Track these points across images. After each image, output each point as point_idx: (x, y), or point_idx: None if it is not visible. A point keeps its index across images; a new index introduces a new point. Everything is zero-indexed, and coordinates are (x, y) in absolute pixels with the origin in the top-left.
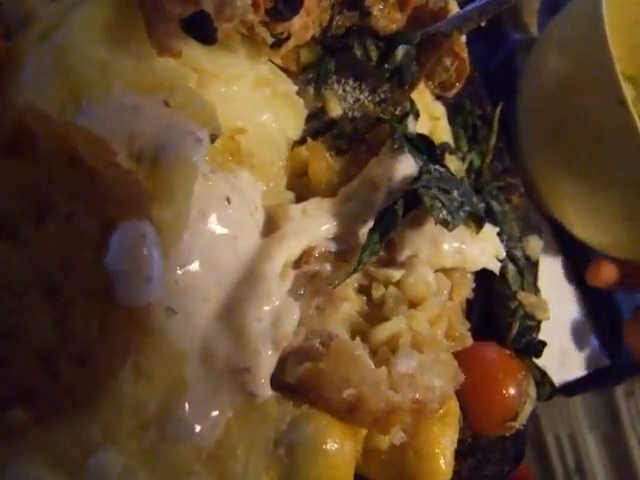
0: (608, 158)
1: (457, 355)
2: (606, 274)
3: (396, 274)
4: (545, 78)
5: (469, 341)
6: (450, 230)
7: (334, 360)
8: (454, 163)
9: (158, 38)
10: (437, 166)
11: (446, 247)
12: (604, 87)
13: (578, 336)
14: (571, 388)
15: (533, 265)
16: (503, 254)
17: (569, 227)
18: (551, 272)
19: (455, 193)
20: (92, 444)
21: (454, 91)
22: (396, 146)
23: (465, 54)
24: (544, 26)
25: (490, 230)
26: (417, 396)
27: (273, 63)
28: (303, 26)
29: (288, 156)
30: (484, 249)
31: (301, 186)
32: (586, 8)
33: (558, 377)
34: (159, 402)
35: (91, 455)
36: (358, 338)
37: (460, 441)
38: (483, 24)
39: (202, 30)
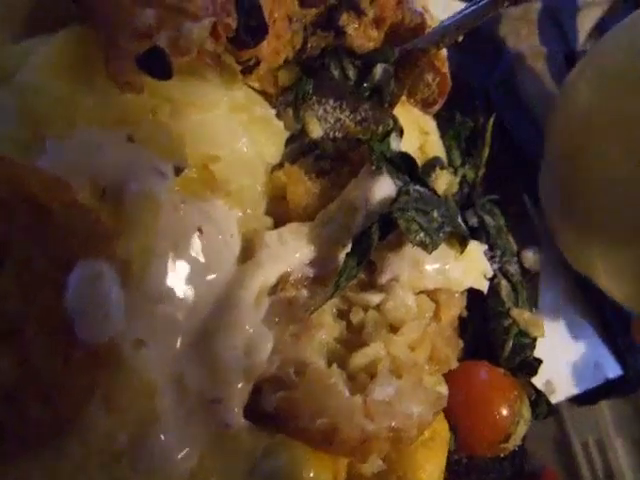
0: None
1: (447, 375)
2: None
3: (375, 298)
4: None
5: (454, 364)
6: (429, 252)
7: (307, 389)
8: (446, 178)
9: (117, 75)
10: (417, 186)
11: (428, 268)
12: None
13: (589, 347)
14: (585, 399)
15: (532, 277)
16: (490, 273)
17: (596, 281)
18: (557, 282)
19: (435, 213)
20: (63, 479)
21: (437, 107)
22: (374, 167)
23: (446, 69)
24: (547, 36)
25: (476, 248)
26: (393, 424)
27: (250, 87)
28: (274, 50)
29: (267, 181)
30: (469, 269)
31: (280, 211)
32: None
33: (569, 389)
34: (130, 434)
35: None
36: (334, 365)
37: (455, 461)
38: (460, 39)
39: (157, 65)
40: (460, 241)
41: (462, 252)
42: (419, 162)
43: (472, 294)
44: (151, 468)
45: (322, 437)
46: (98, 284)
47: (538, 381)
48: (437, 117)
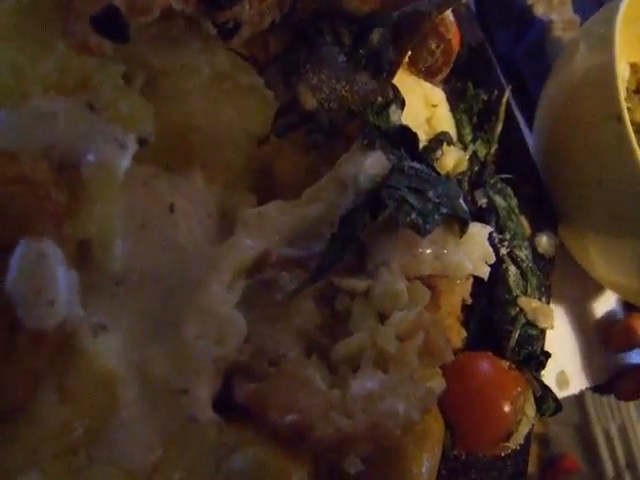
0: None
1: (445, 367)
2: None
3: (362, 284)
4: (560, 85)
5: (449, 356)
6: (423, 235)
7: (280, 381)
8: (454, 154)
9: (72, 37)
10: (415, 162)
11: (423, 253)
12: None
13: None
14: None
15: (547, 264)
16: (492, 258)
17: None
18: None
19: (431, 193)
20: (14, 469)
21: (441, 77)
22: (365, 142)
23: (452, 35)
24: (581, 4)
25: (478, 232)
26: (374, 422)
27: (238, 54)
28: (257, 13)
29: (252, 155)
30: (469, 254)
31: (266, 187)
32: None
33: (583, 381)
34: (88, 425)
35: None
36: (314, 356)
37: (453, 458)
38: (464, 1)
39: (114, 27)
40: (460, 224)
41: (461, 236)
42: (426, 137)
43: (478, 280)
44: (111, 460)
45: (293, 434)
46: (41, 265)
47: (551, 373)
48: (447, 89)
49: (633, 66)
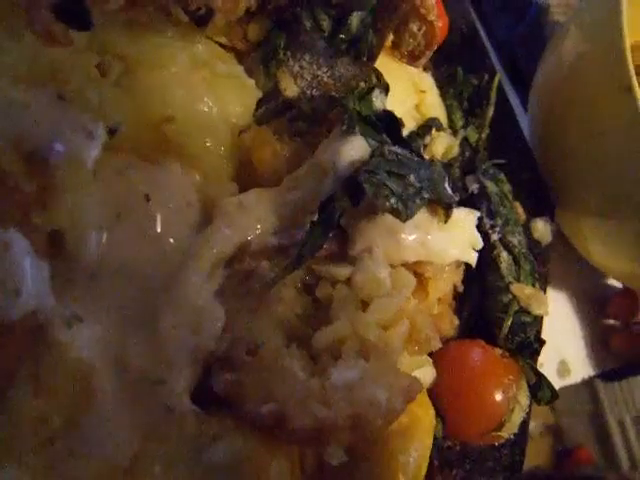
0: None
1: (436, 355)
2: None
3: (344, 271)
4: (557, 65)
5: (436, 344)
6: (403, 220)
7: (258, 371)
8: (444, 140)
9: (36, 26)
10: (396, 147)
11: (406, 239)
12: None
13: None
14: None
15: (544, 250)
16: (480, 244)
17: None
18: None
19: (412, 178)
20: None
21: (424, 60)
22: (345, 127)
23: (433, 17)
24: None
25: (464, 217)
26: (354, 411)
27: (218, 43)
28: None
29: (233, 143)
30: (455, 239)
31: (247, 176)
32: None
33: (585, 369)
34: (65, 416)
35: None
36: (293, 345)
37: (447, 448)
38: None
39: (76, 15)
40: (444, 209)
41: (446, 221)
42: (415, 123)
43: (470, 267)
44: (88, 452)
45: (271, 424)
46: (6, 255)
47: (552, 362)
48: (438, 74)
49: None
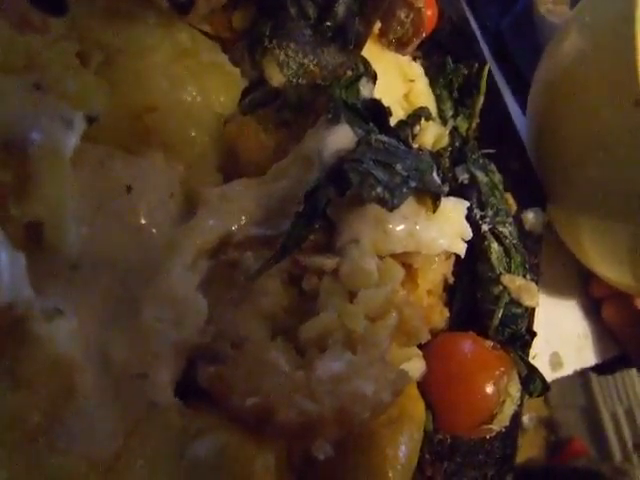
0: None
1: (425, 347)
2: None
3: (330, 262)
4: (557, 69)
5: (425, 336)
6: (390, 210)
7: (243, 364)
8: (433, 130)
9: (10, 13)
10: (382, 136)
11: (394, 229)
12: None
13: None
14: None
15: (535, 241)
16: (469, 234)
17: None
18: (563, 246)
19: (399, 166)
20: None
21: (411, 48)
22: (330, 116)
23: (421, 4)
24: None
25: (453, 207)
26: (340, 405)
27: (202, 32)
28: None
29: (218, 133)
30: (444, 229)
31: (232, 167)
32: None
33: (578, 362)
34: (46, 412)
35: None
36: (279, 338)
37: (438, 442)
38: None
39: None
40: (432, 199)
41: (434, 211)
42: (404, 112)
43: (461, 258)
44: (70, 448)
45: (256, 418)
46: None
47: (544, 354)
48: (428, 64)
49: None
